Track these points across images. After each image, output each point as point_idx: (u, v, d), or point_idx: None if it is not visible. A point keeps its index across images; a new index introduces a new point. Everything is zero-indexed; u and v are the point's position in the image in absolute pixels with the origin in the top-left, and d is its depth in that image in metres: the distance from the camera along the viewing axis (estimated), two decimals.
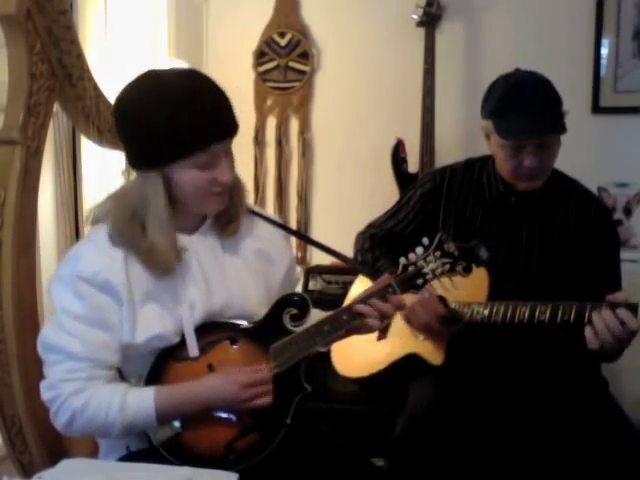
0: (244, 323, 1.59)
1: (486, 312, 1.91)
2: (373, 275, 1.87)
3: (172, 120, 1.44)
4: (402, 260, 1.60)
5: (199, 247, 1.59)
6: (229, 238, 1.62)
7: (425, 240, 1.59)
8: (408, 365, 2.02)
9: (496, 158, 2.02)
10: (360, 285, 2.24)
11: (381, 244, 2.16)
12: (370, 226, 2.24)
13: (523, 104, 1.89)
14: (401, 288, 1.59)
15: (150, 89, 1.48)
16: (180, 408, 1.51)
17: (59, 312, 1.50)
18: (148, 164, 1.49)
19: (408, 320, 2.00)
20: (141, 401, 1.48)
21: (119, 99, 1.52)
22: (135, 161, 1.52)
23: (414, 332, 2.04)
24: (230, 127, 1.52)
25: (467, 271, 1.58)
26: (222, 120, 1.50)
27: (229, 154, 1.54)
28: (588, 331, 1.71)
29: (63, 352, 1.48)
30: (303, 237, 2.90)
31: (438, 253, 1.57)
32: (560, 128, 1.91)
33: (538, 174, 1.95)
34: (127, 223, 1.50)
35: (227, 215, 1.61)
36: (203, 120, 1.46)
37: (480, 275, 1.90)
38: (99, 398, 1.48)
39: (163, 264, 1.50)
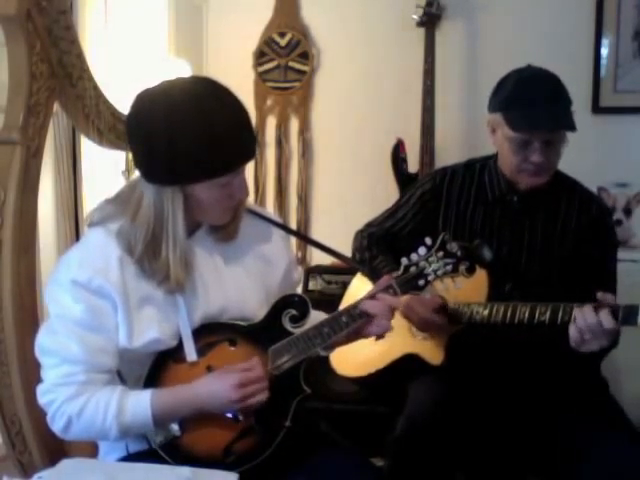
0: (244, 324, 1.59)
1: (486, 312, 1.90)
2: (373, 276, 1.88)
3: (205, 142, 1.42)
4: (404, 260, 1.59)
5: (196, 250, 1.58)
6: (227, 241, 1.62)
7: (428, 240, 1.58)
8: (407, 365, 2.02)
9: (501, 153, 2.01)
10: (358, 283, 2.24)
11: (378, 243, 2.16)
12: (369, 225, 2.24)
13: (536, 98, 1.89)
14: (402, 289, 1.58)
15: (176, 107, 1.43)
16: (177, 412, 1.50)
17: (56, 316, 1.50)
18: (173, 181, 1.47)
19: (407, 317, 2.00)
20: (138, 405, 1.48)
21: (138, 112, 1.47)
22: (158, 176, 1.47)
23: (413, 331, 2.04)
24: (253, 148, 1.53)
25: (470, 272, 1.57)
26: (249, 142, 1.51)
27: (244, 168, 1.54)
28: (571, 327, 1.72)
29: (59, 356, 1.48)
30: (302, 237, 2.90)
31: (441, 253, 1.57)
32: (571, 125, 1.91)
33: (542, 171, 1.94)
34: (144, 245, 1.49)
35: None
36: (234, 145, 1.46)
37: (480, 275, 1.90)
38: (95, 403, 1.47)
39: (175, 281, 1.50)
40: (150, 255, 1.49)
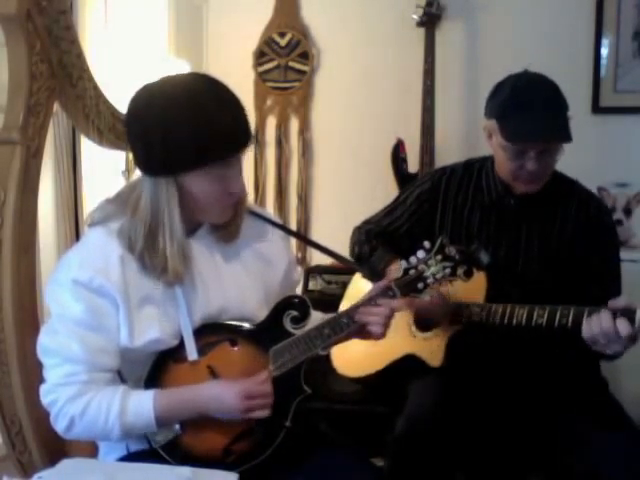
0: (245, 325, 1.59)
1: (484, 314, 1.90)
2: (372, 276, 1.88)
3: (193, 129, 1.43)
4: (403, 263, 1.60)
5: (197, 250, 1.58)
6: (228, 241, 1.62)
7: (426, 243, 1.59)
8: (407, 365, 2.02)
9: (496, 158, 2.01)
10: (358, 283, 2.24)
11: (377, 238, 2.16)
12: (366, 222, 2.23)
13: (530, 107, 1.87)
14: (402, 291, 1.59)
15: (172, 96, 1.46)
16: (179, 413, 1.50)
17: (57, 316, 1.50)
18: (164, 171, 1.48)
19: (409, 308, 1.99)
20: (140, 405, 1.48)
21: (137, 104, 1.49)
22: (150, 167, 1.49)
23: (413, 332, 2.04)
24: (247, 139, 1.52)
25: (468, 275, 1.59)
26: (240, 132, 1.51)
27: (240, 163, 1.54)
28: (585, 325, 1.71)
29: (60, 356, 1.48)
30: (302, 238, 2.89)
31: (439, 257, 1.58)
32: (566, 136, 1.88)
33: (538, 178, 1.94)
34: (144, 239, 1.49)
35: (230, 220, 1.60)
36: (223, 132, 1.46)
37: (478, 277, 1.90)
38: (98, 403, 1.47)
39: (174, 273, 1.50)
40: (149, 249, 1.50)
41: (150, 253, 1.50)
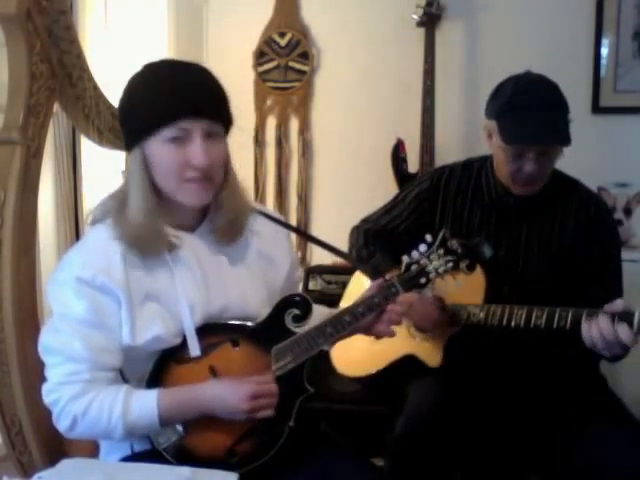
0: (246, 324, 1.58)
1: (482, 315, 1.90)
2: (374, 274, 1.87)
3: (143, 95, 1.49)
4: (405, 258, 1.59)
5: (198, 246, 1.58)
6: (227, 242, 1.61)
7: (428, 237, 1.58)
8: (406, 365, 2.02)
9: (496, 159, 2.01)
10: (356, 282, 2.24)
11: (375, 240, 2.16)
12: (365, 220, 2.23)
13: (530, 109, 1.87)
14: (404, 287, 1.58)
15: (137, 73, 1.53)
16: (183, 412, 1.50)
17: (59, 315, 1.49)
18: (128, 142, 1.52)
19: (407, 315, 1.98)
20: (144, 405, 1.47)
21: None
22: (125, 142, 1.55)
23: (412, 332, 2.04)
24: (203, 106, 1.49)
25: (471, 269, 1.57)
26: (193, 97, 1.48)
27: (211, 140, 1.50)
28: (584, 328, 1.71)
29: (63, 354, 1.47)
30: (310, 237, 2.88)
31: (441, 251, 1.57)
32: (565, 139, 1.88)
33: (536, 180, 1.94)
34: (118, 212, 1.51)
35: (226, 217, 1.58)
36: (170, 93, 1.47)
37: (478, 277, 1.90)
38: (100, 402, 1.47)
39: (144, 246, 1.49)
40: (120, 218, 1.50)
41: (126, 225, 1.49)
